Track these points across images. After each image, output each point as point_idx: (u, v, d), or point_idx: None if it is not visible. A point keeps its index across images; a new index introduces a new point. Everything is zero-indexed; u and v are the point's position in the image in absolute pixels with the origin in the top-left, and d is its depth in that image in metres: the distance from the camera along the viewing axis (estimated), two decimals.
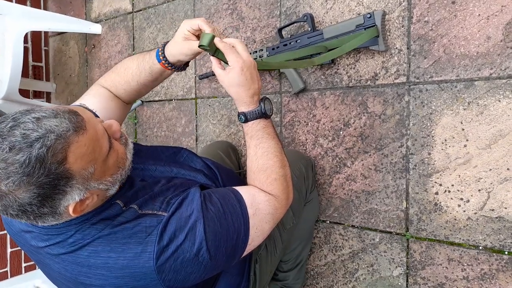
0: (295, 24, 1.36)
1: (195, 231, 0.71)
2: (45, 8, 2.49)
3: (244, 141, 1.54)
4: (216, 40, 0.83)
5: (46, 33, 2.52)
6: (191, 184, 0.85)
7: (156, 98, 1.90)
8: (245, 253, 0.80)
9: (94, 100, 0.93)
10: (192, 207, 0.74)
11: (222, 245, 0.74)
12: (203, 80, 1.68)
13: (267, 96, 1.37)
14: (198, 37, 0.89)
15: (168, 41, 0.92)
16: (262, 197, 0.83)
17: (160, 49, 0.91)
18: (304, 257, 1.30)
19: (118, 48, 2.09)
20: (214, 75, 1.58)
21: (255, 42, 1.50)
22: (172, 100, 1.83)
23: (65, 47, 2.43)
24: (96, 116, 0.78)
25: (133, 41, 2.00)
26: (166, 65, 0.91)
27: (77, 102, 0.91)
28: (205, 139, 1.70)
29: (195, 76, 1.72)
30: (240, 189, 0.83)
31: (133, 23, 2.01)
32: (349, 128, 1.27)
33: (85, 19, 2.26)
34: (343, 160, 1.29)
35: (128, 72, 0.95)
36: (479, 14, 1.02)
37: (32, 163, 0.58)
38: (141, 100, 1.97)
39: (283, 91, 1.43)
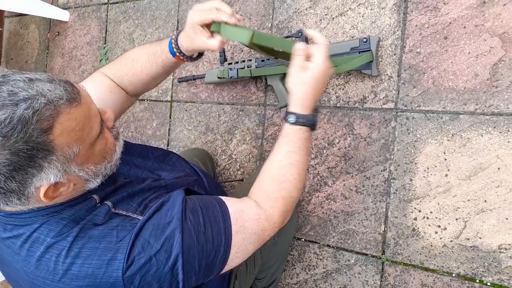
0: (287, 38, 1.35)
1: (172, 242, 0.63)
2: None
3: (221, 150, 1.50)
4: (299, 46, 0.76)
5: (1, 12, 2.30)
6: (176, 186, 0.77)
7: None
8: (222, 272, 0.73)
9: (92, 87, 0.81)
10: (173, 213, 0.66)
11: (195, 262, 0.66)
12: (181, 84, 1.62)
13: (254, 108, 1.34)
14: (209, 26, 0.79)
15: (180, 31, 0.84)
16: (252, 214, 0.74)
17: (173, 42, 0.83)
18: (279, 275, 1.27)
19: (87, 39, 1.95)
20: (194, 79, 1.52)
21: (242, 51, 1.47)
22: (144, 100, 1.73)
23: (23, 30, 2.23)
24: None
25: (106, 33, 1.88)
26: (182, 57, 0.84)
27: None
28: (178, 144, 1.63)
29: (173, 79, 1.65)
30: (228, 200, 0.74)
31: (107, 15, 1.89)
32: (333, 147, 1.27)
33: (51, 4, 2.09)
34: (324, 178, 1.29)
35: (137, 64, 0.87)
36: (469, 52, 1.08)
37: (13, 123, 0.51)
38: None
39: (268, 103, 1.41)
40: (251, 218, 0.73)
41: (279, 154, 0.78)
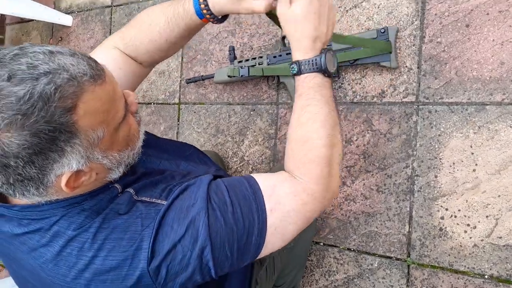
0: None
1: (198, 225, 0.57)
2: None
3: (232, 153, 1.44)
4: None
5: (3, 20, 2.27)
6: (203, 173, 0.70)
7: None
8: (260, 256, 0.64)
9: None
10: (197, 195, 0.60)
11: (226, 246, 0.59)
12: (189, 85, 1.57)
13: (264, 103, 1.29)
14: None
15: None
16: (286, 187, 0.64)
17: (201, 2, 0.70)
18: (298, 282, 1.21)
19: (91, 43, 1.91)
20: (203, 79, 1.47)
21: (252, 49, 1.42)
22: (151, 104, 1.68)
23: (25, 37, 2.19)
24: None
25: None
26: (212, 19, 0.72)
27: None
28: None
29: (181, 80, 1.60)
30: (258, 176, 0.65)
31: (111, 18, 1.85)
32: (351, 145, 1.22)
33: (54, 8, 2.06)
34: (342, 178, 1.22)
35: (155, 29, 0.74)
36: (493, 40, 1.03)
37: (33, 100, 0.45)
38: None
39: (280, 102, 1.36)
40: (286, 192, 0.63)
41: (295, 113, 0.67)
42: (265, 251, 0.64)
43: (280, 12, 0.67)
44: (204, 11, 0.71)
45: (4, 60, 0.47)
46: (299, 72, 0.67)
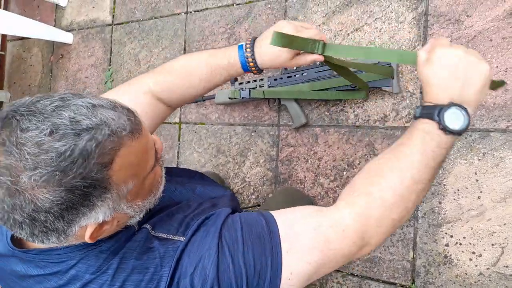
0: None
1: (206, 264, 0.55)
2: (6, 9, 2.25)
3: (233, 174, 1.43)
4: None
5: (4, 36, 2.27)
6: (221, 204, 0.68)
7: None
8: None
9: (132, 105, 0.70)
10: (210, 232, 0.58)
11: None
12: (190, 104, 1.56)
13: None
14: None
15: (252, 43, 0.76)
16: (308, 223, 0.57)
17: (249, 58, 0.74)
18: None
19: (91, 61, 1.91)
20: (204, 100, 1.46)
21: None
22: None
23: (26, 53, 2.19)
24: None
25: (110, 55, 1.84)
26: (256, 72, 0.77)
27: None
28: (188, 168, 1.56)
29: None
30: (277, 214, 0.60)
31: (111, 36, 1.85)
32: (353, 169, 1.21)
33: (54, 26, 2.06)
34: None
35: (195, 77, 0.78)
36: (497, 66, 1.02)
37: (74, 156, 0.44)
38: None
39: (281, 124, 1.35)
40: (307, 228, 0.57)
41: (388, 148, 0.62)
42: None
43: (420, 70, 0.63)
44: (251, 65, 0.75)
45: (46, 111, 0.45)
46: (419, 116, 0.60)
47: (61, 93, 0.49)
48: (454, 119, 0.57)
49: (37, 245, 0.56)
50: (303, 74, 1.23)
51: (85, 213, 0.48)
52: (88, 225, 0.50)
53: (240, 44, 0.78)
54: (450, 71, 0.58)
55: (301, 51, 0.76)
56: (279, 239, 0.57)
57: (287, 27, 0.73)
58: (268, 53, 0.74)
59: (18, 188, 0.43)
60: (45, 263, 0.57)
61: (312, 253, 0.56)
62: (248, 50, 0.75)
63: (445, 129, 0.57)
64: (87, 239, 0.51)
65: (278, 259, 0.56)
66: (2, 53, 2.29)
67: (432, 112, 0.58)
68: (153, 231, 0.60)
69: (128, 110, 0.52)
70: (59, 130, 0.44)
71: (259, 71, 0.78)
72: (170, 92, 0.79)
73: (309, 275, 0.57)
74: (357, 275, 1.19)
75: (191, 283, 0.55)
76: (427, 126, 0.58)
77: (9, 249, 0.58)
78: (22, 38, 2.21)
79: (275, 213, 0.61)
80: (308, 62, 0.78)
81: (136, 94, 0.78)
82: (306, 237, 0.56)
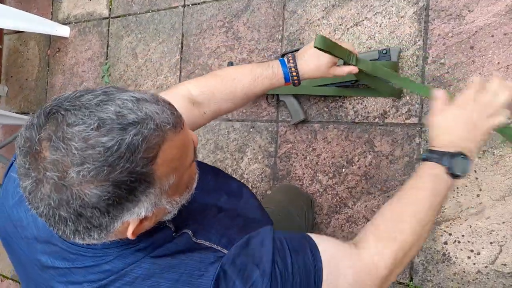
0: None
1: (260, 286, 0.54)
2: (2, 3, 2.22)
3: (232, 170, 1.42)
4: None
5: (0, 29, 2.24)
6: (258, 223, 0.67)
7: None
8: None
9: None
10: (262, 253, 0.56)
11: None
12: None
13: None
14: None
15: (293, 57, 0.83)
16: (348, 262, 0.60)
17: (292, 69, 0.82)
18: None
19: (88, 55, 1.89)
20: None
21: None
22: None
23: (23, 47, 2.17)
24: None
25: (107, 49, 1.82)
26: (297, 82, 0.84)
27: None
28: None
29: None
30: (317, 238, 0.61)
31: (108, 30, 1.82)
32: (352, 166, 1.20)
33: (51, 19, 2.03)
34: (344, 200, 1.21)
35: (239, 83, 0.82)
36: (499, 63, 1.00)
37: (121, 151, 0.43)
38: None
39: (280, 120, 1.34)
40: (347, 269, 0.59)
41: (403, 189, 0.68)
42: None
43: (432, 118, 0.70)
44: (294, 75, 0.83)
45: (90, 106, 0.44)
46: (426, 159, 0.68)
47: (103, 87, 0.48)
48: (459, 164, 0.66)
49: (79, 241, 0.54)
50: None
51: (130, 208, 0.47)
52: (131, 221, 0.49)
53: (281, 58, 0.85)
54: (463, 123, 0.67)
55: (337, 64, 0.85)
56: (322, 272, 0.58)
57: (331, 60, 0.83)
58: (310, 64, 0.82)
59: (66, 183, 0.43)
60: (76, 256, 0.56)
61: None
62: (291, 61, 0.82)
63: (453, 174, 0.66)
64: (129, 235, 0.50)
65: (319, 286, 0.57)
66: (0, 46, 2.27)
67: (441, 158, 0.66)
68: (194, 238, 0.59)
69: (170, 104, 0.51)
70: (106, 124, 0.43)
71: (299, 82, 0.85)
72: (210, 95, 0.82)
73: None
74: None
75: None
76: (437, 170, 0.66)
77: (51, 234, 0.57)
78: (18, 32, 2.18)
79: (314, 238, 0.61)
80: (345, 73, 0.86)
81: (173, 95, 0.78)
82: (345, 277, 0.58)
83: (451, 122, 0.68)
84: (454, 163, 0.65)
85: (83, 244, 0.54)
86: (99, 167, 0.43)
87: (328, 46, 0.78)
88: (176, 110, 0.52)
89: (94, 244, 0.54)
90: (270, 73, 0.83)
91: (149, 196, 0.48)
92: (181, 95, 0.81)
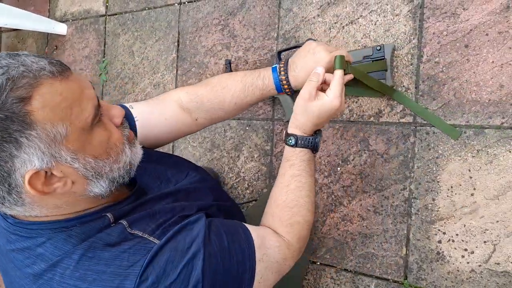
0: (294, 49, 1.28)
1: (191, 268, 0.56)
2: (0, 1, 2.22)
3: (228, 168, 1.43)
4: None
5: None
6: (197, 209, 0.70)
7: None
8: None
9: (150, 110, 0.82)
10: (192, 236, 0.59)
11: None
12: None
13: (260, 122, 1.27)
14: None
15: (286, 65, 0.82)
16: (273, 241, 0.70)
17: (283, 79, 0.82)
18: None
19: (86, 53, 1.89)
20: None
21: (247, 63, 1.39)
22: None
23: (21, 45, 2.17)
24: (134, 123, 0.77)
25: (104, 46, 1.82)
26: (289, 92, 0.84)
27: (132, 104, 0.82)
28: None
29: None
30: (249, 226, 0.70)
31: (105, 27, 1.82)
32: (347, 164, 1.20)
33: (48, 17, 2.03)
34: (339, 198, 1.21)
35: (228, 92, 0.83)
36: (493, 61, 1.00)
37: None
38: None
39: (276, 118, 1.34)
40: (272, 246, 0.70)
41: (285, 178, 0.75)
42: None
43: (300, 97, 0.73)
44: (286, 87, 0.82)
45: None
46: (295, 145, 0.74)
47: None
48: (319, 139, 0.77)
49: (8, 211, 0.57)
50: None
51: (13, 152, 0.48)
52: (27, 172, 0.50)
53: (273, 66, 0.83)
54: (321, 118, 0.74)
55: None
56: (254, 249, 0.65)
57: (321, 46, 0.80)
58: (302, 76, 0.80)
59: None
60: (16, 237, 0.58)
61: (275, 266, 0.69)
62: (283, 73, 0.81)
63: (317, 151, 0.78)
64: (26, 185, 0.50)
65: (253, 265, 0.64)
66: None
67: (312, 142, 0.75)
68: (129, 228, 0.59)
69: (57, 60, 0.54)
70: None
71: (292, 92, 0.84)
72: (199, 103, 0.84)
73: (271, 282, 0.69)
74: (350, 271, 1.19)
75: (171, 287, 0.54)
76: (308, 155, 0.76)
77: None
78: (16, 29, 2.18)
79: (247, 225, 0.70)
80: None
81: (166, 102, 0.84)
82: (273, 252, 0.69)
83: (314, 117, 0.74)
84: (317, 144, 0.75)
85: (20, 221, 0.57)
86: None
87: (344, 67, 0.77)
88: (61, 63, 0.53)
89: (29, 222, 0.57)
90: (260, 84, 0.83)
91: (31, 140, 0.49)
92: (173, 101, 0.84)
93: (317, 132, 0.77)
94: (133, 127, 0.78)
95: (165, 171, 0.79)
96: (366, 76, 1.00)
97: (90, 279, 0.54)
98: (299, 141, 0.74)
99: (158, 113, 0.83)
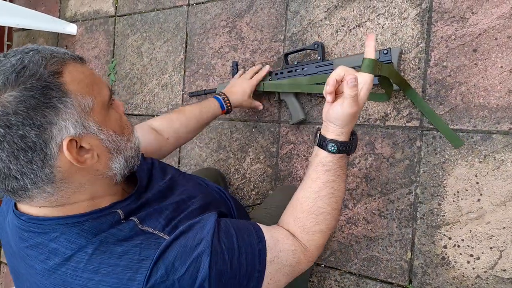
0: (301, 51, 1.28)
1: (198, 265, 0.58)
2: (11, 1, 2.25)
3: (234, 169, 1.43)
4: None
5: (10, 27, 2.28)
6: (208, 209, 0.72)
7: (136, 112, 1.74)
8: None
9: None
10: (202, 235, 0.61)
11: None
12: (191, 98, 1.55)
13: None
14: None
15: (223, 94, 1.20)
16: (288, 245, 0.70)
17: (227, 102, 1.19)
18: None
19: (95, 53, 1.91)
20: (205, 94, 1.46)
21: (254, 65, 1.40)
22: (154, 116, 1.68)
23: (32, 44, 2.19)
24: None
25: (113, 47, 1.84)
26: (230, 107, 1.20)
27: None
28: (189, 162, 1.57)
29: (183, 93, 1.59)
30: (263, 227, 0.70)
31: (114, 28, 1.84)
32: (353, 168, 1.20)
33: (59, 17, 2.06)
34: (344, 201, 1.21)
35: (190, 114, 1.10)
36: (502, 66, 0.99)
37: (24, 63, 0.53)
38: None
39: (282, 120, 1.34)
40: (286, 249, 0.69)
41: (317, 184, 0.73)
42: None
43: (342, 106, 0.70)
44: (229, 107, 1.19)
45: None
46: (337, 152, 0.72)
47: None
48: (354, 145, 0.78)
49: (29, 209, 0.61)
50: (304, 69, 1.21)
51: (52, 118, 0.53)
52: (64, 140, 0.54)
53: (215, 96, 1.19)
54: (356, 117, 0.75)
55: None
56: (266, 249, 0.66)
57: (249, 89, 1.26)
58: (238, 99, 1.23)
59: None
60: (29, 234, 0.61)
61: (287, 269, 0.69)
62: (223, 95, 1.19)
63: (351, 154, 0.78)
64: (65, 151, 0.54)
65: (263, 265, 0.65)
66: (9, 43, 2.30)
67: (351, 146, 0.75)
68: (140, 225, 0.62)
69: (79, 55, 0.62)
70: (11, 53, 0.55)
71: (230, 110, 1.21)
72: (168, 123, 1.06)
73: (282, 284, 0.70)
74: (354, 274, 1.19)
75: (179, 281, 0.57)
76: (345, 159, 0.76)
77: (13, 213, 0.64)
78: (27, 29, 2.21)
79: (260, 226, 0.70)
80: (259, 107, 1.32)
81: (140, 126, 1.03)
82: (285, 255, 0.68)
83: (353, 120, 0.74)
84: (356, 145, 0.76)
85: (35, 216, 0.60)
86: (8, 75, 0.51)
87: (375, 71, 0.75)
88: (77, 55, 0.62)
89: (44, 217, 0.60)
90: (213, 106, 1.15)
91: (67, 107, 0.54)
92: (146, 125, 1.04)
93: (353, 134, 0.75)
94: None
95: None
96: (393, 72, 0.96)
97: (103, 272, 0.56)
98: (341, 147, 0.72)
99: (141, 134, 0.95)
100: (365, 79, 0.72)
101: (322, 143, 0.73)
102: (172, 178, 0.81)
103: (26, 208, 0.63)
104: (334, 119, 0.71)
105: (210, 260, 0.58)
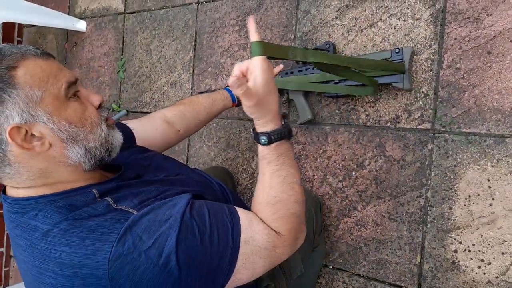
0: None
1: (166, 238, 0.59)
2: None
3: (242, 169, 1.43)
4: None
5: (20, 24, 2.28)
6: (188, 189, 0.74)
7: (144, 110, 1.74)
8: (229, 284, 0.67)
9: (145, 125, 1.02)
10: (173, 212, 0.63)
11: (196, 265, 0.62)
12: None
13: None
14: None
15: None
16: (261, 228, 0.70)
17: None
18: None
19: (104, 50, 1.91)
20: (214, 91, 1.45)
21: None
22: None
23: (42, 40, 2.21)
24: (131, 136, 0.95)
25: (123, 44, 1.84)
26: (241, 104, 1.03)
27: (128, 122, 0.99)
28: (198, 161, 1.57)
29: (192, 92, 1.59)
30: (239, 209, 0.71)
31: (124, 25, 1.84)
32: (363, 169, 1.19)
33: (68, 14, 2.06)
34: (353, 203, 1.20)
35: (201, 105, 1.12)
36: None
37: None
38: (126, 110, 1.80)
39: (290, 120, 1.33)
40: (261, 231, 0.70)
41: (265, 177, 0.74)
42: (235, 281, 0.67)
43: (252, 87, 0.67)
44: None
45: None
46: (270, 143, 0.71)
47: None
48: (288, 122, 0.76)
49: (13, 191, 0.67)
50: (314, 68, 1.20)
51: None
52: (8, 127, 0.59)
53: (226, 87, 1.22)
54: (273, 88, 0.73)
55: None
56: (240, 230, 0.67)
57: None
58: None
59: None
60: (14, 215, 0.65)
61: (263, 252, 0.69)
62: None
63: (292, 136, 0.77)
64: (7, 137, 0.59)
65: (237, 244, 0.66)
66: (19, 39, 2.31)
67: (284, 132, 0.73)
68: (114, 204, 0.65)
69: (39, 47, 0.67)
70: None
71: (241, 103, 0.99)
72: (181, 115, 1.08)
73: (260, 268, 0.70)
74: (363, 276, 1.19)
75: (146, 253, 0.59)
76: (285, 145, 0.74)
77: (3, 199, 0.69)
78: (37, 25, 2.22)
79: (237, 208, 0.71)
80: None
81: (153, 118, 1.06)
82: (260, 237, 0.69)
83: (269, 93, 0.71)
84: (290, 128, 0.74)
85: (16, 198, 0.65)
86: None
87: (267, 52, 0.69)
88: (47, 52, 0.66)
89: (23, 198, 0.65)
90: (223, 97, 1.16)
91: (12, 98, 0.59)
92: (158, 117, 1.06)
93: (284, 117, 0.74)
94: (130, 136, 0.95)
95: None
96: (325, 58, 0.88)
97: (74, 244, 0.59)
98: (272, 137, 0.71)
99: (149, 126, 1.03)
100: (255, 63, 0.68)
101: (256, 138, 0.73)
102: (169, 175, 0.83)
103: (10, 191, 0.68)
104: (249, 114, 0.71)
105: (178, 234, 0.60)
